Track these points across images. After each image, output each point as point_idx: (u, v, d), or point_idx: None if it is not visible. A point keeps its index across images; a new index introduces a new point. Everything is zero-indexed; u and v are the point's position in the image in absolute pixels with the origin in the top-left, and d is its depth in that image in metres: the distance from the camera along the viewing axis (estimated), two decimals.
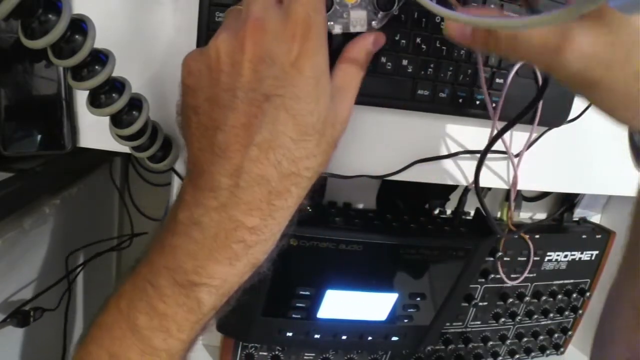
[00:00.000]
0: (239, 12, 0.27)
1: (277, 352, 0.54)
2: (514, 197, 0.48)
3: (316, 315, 0.49)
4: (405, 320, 0.52)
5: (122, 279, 0.28)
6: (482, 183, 0.43)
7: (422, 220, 0.49)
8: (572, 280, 0.60)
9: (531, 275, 0.56)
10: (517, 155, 0.42)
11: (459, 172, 0.42)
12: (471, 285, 0.54)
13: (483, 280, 0.55)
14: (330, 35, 0.30)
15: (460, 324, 0.58)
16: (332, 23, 0.30)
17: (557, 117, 0.39)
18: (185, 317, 0.26)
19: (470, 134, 0.40)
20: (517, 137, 0.41)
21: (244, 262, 0.27)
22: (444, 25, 0.27)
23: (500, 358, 0.61)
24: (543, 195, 0.58)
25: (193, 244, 0.26)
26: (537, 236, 0.55)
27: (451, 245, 0.47)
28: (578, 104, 0.40)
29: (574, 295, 0.61)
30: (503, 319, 0.58)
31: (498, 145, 0.38)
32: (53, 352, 0.45)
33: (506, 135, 0.40)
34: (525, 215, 0.59)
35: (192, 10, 0.32)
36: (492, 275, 0.54)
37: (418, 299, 0.50)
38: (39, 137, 0.34)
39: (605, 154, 0.45)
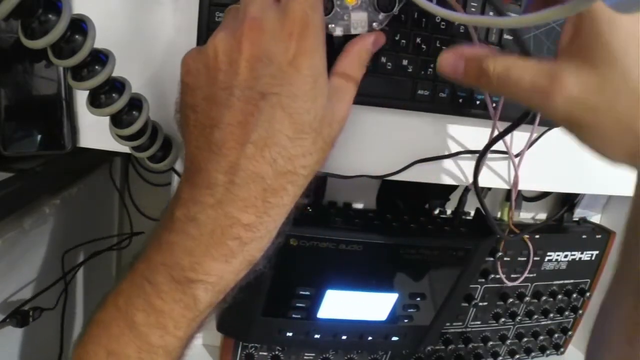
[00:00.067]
0: (237, 12, 0.27)
1: (277, 352, 0.54)
2: (514, 197, 0.48)
3: (316, 315, 0.49)
4: (405, 320, 0.52)
5: (120, 277, 0.29)
6: (483, 183, 0.43)
7: (422, 220, 0.49)
8: (572, 281, 0.60)
9: (531, 275, 0.56)
10: (517, 155, 0.42)
11: (459, 172, 0.42)
12: (471, 285, 0.54)
13: (483, 280, 0.55)
14: (330, 37, 0.30)
15: (460, 324, 0.58)
16: (333, 25, 0.30)
17: None
18: (181, 314, 0.27)
19: (470, 134, 0.40)
20: (517, 137, 0.41)
21: (239, 259, 0.27)
22: (437, 60, 0.28)
23: (500, 358, 0.61)
24: (543, 195, 0.58)
25: (190, 241, 0.26)
26: (537, 236, 0.55)
27: (451, 245, 0.47)
28: None
29: (574, 295, 0.61)
30: (503, 319, 0.58)
31: (498, 145, 0.38)
32: (52, 351, 0.45)
33: (507, 136, 0.40)
34: (525, 215, 0.59)
35: (192, 10, 0.32)
36: (492, 275, 0.54)
37: (418, 299, 0.50)
38: (39, 137, 0.34)
39: None
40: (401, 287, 0.49)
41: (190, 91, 0.28)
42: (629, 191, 0.28)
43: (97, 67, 0.25)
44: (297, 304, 0.47)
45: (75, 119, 0.35)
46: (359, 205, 0.53)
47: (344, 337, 0.51)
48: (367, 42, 0.31)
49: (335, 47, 0.31)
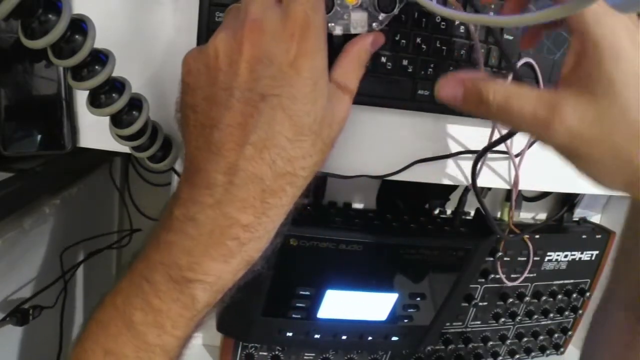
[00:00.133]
0: (238, 11, 0.27)
1: (277, 352, 0.54)
2: (515, 197, 0.48)
3: (316, 315, 0.49)
4: (405, 320, 0.52)
5: (119, 276, 0.29)
6: (483, 183, 0.43)
7: (422, 220, 0.49)
8: (572, 280, 0.60)
9: (531, 275, 0.56)
10: (517, 155, 0.42)
11: (459, 172, 0.42)
12: (471, 285, 0.54)
13: (483, 280, 0.55)
14: (330, 36, 0.30)
15: (460, 324, 0.58)
16: (332, 24, 0.30)
17: None
18: (179, 313, 0.27)
19: (470, 134, 0.40)
20: (517, 137, 0.41)
21: (238, 260, 0.27)
22: (435, 87, 0.28)
23: (500, 358, 0.61)
24: (543, 195, 0.58)
25: (188, 241, 0.26)
26: (537, 236, 0.55)
27: (451, 245, 0.47)
28: None
29: (574, 295, 0.61)
30: (503, 319, 0.58)
31: (499, 146, 0.38)
32: (52, 350, 0.45)
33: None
34: (525, 215, 0.59)
35: (192, 10, 0.32)
36: (492, 275, 0.54)
37: (418, 299, 0.50)
38: (39, 137, 0.34)
39: None
40: (401, 287, 0.49)
41: (190, 91, 0.28)
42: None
43: (97, 67, 0.25)
44: (297, 304, 0.47)
45: (75, 119, 0.35)
46: (359, 205, 0.53)
47: (344, 337, 0.51)
48: (366, 42, 0.31)
49: (334, 47, 0.31)
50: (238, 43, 0.26)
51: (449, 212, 0.54)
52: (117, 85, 0.28)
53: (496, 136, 0.39)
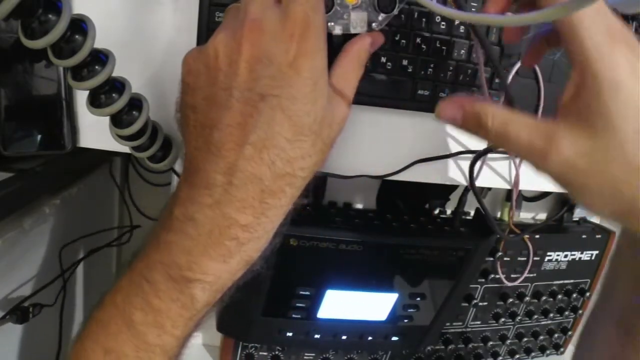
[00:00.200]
0: (238, 11, 0.27)
1: (277, 352, 0.54)
2: (515, 197, 0.48)
3: (316, 315, 0.49)
4: (405, 320, 0.52)
5: (119, 274, 0.29)
6: (484, 183, 0.43)
7: (422, 220, 0.49)
8: (572, 280, 0.60)
9: (531, 275, 0.56)
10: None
11: (459, 172, 0.42)
12: (471, 285, 0.54)
13: (483, 280, 0.55)
14: (330, 36, 0.30)
15: (460, 324, 0.58)
16: (332, 24, 0.30)
17: None
18: (179, 313, 0.27)
19: None
20: None
21: (237, 259, 0.27)
22: (436, 108, 0.29)
23: (500, 358, 0.61)
24: (543, 195, 0.58)
25: (188, 240, 0.26)
26: (537, 236, 0.55)
27: (451, 245, 0.47)
28: None
29: (574, 295, 0.61)
30: (503, 319, 0.58)
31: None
32: (51, 348, 0.45)
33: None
34: (525, 215, 0.59)
35: (192, 10, 0.32)
36: (492, 275, 0.54)
37: (418, 299, 0.50)
38: (39, 137, 0.34)
39: None
40: (401, 287, 0.49)
41: (190, 91, 0.28)
42: None
43: (97, 67, 0.25)
44: (297, 304, 0.47)
45: (75, 119, 0.35)
46: (359, 205, 0.53)
47: (344, 337, 0.51)
48: (366, 42, 0.31)
49: (334, 46, 0.31)
50: (237, 43, 0.26)
51: (449, 212, 0.54)
52: (117, 85, 0.28)
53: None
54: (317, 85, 0.27)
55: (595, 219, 0.63)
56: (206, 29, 0.32)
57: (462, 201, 0.50)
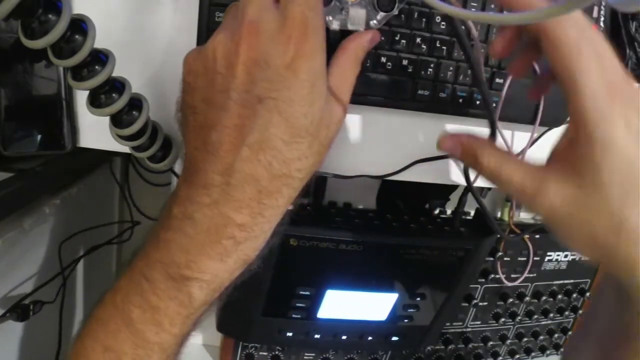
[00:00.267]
0: (237, 11, 0.27)
1: (277, 352, 0.54)
2: None
3: (316, 315, 0.49)
4: (405, 320, 0.52)
5: (119, 273, 0.29)
6: (484, 183, 0.43)
7: (422, 220, 0.49)
8: (572, 280, 0.60)
9: (531, 275, 0.56)
10: (518, 155, 0.42)
11: (459, 172, 0.42)
12: (471, 285, 0.54)
13: (483, 280, 0.55)
14: (327, 30, 0.30)
15: (460, 324, 0.58)
16: (330, 18, 0.30)
17: (557, 117, 0.39)
18: (177, 311, 0.27)
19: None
20: (518, 137, 0.41)
21: (234, 258, 0.27)
22: (437, 140, 0.31)
23: (500, 358, 0.61)
24: None
25: (186, 239, 0.26)
26: (537, 236, 0.55)
27: (451, 245, 0.47)
28: None
29: (574, 295, 0.61)
30: (503, 319, 0.58)
31: (500, 145, 0.38)
32: (52, 346, 0.45)
33: (507, 136, 0.40)
34: (525, 215, 0.59)
35: (192, 10, 0.32)
36: (492, 275, 0.54)
37: (418, 299, 0.50)
38: (39, 137, 0.34)
39: None
40: (401, 287, 0.49)
41: (190, 92, 0.28)
42: None
43: (97, 67, 0.25)
44: (297, 304, 0.47)
45: (75, 119, 0.35)
46: (359, 205, 0.53)
47: (344, 337, 0.51)
48: (363, 40, 0.30)
49: (331, 42, 0.30)
50: (235, 45, 0.26)
51: (449, 212, 0.54)
52: (117, 85, 0.28)
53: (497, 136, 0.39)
54: (315, 87, 0.26)
55: None
56: (206, 29, 0.32)
57: (462, 201, 0.50)
